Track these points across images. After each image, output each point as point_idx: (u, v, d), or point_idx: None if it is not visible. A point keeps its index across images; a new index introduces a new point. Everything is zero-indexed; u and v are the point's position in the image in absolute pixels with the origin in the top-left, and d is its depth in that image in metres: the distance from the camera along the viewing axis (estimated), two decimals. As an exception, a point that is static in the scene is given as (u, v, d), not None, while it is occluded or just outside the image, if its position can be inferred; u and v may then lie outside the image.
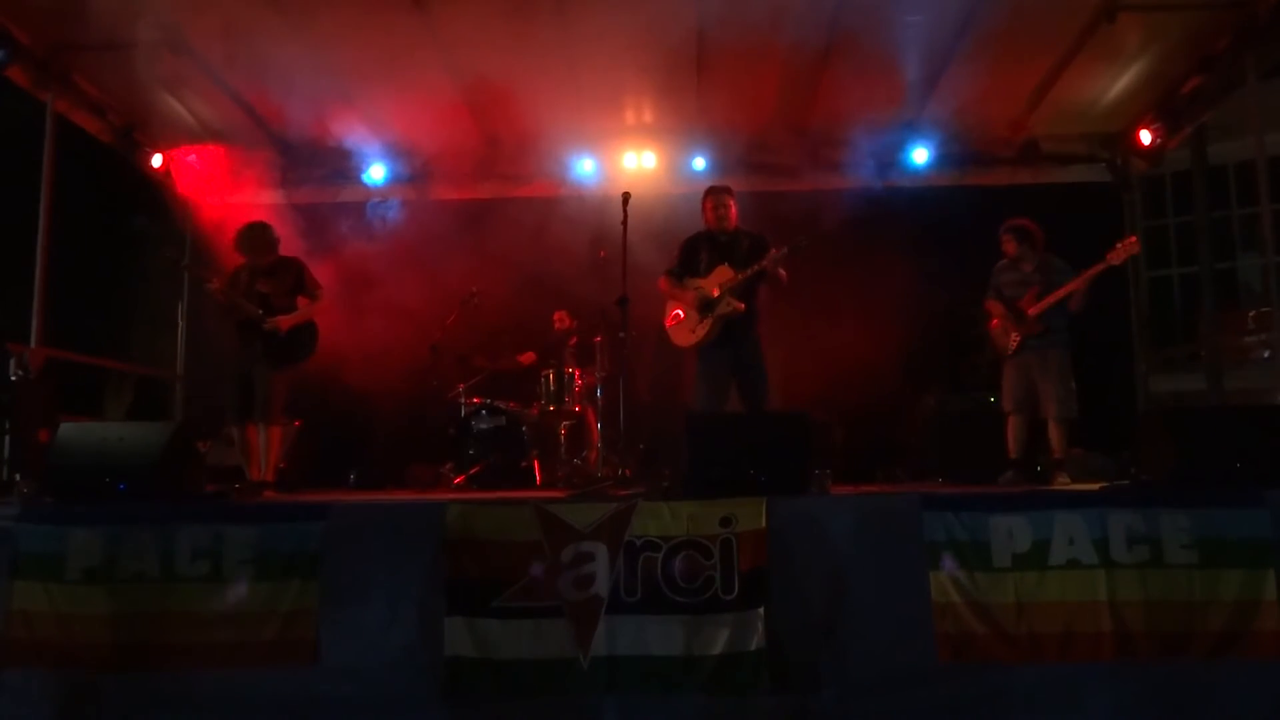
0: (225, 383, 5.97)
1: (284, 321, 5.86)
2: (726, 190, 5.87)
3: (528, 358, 7.82)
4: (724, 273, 5.67)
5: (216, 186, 8.34)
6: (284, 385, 5.96)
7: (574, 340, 7.64)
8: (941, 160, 8.24)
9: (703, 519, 3.81)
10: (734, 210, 5.81)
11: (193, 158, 8.11)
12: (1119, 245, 5.76)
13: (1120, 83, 7.47)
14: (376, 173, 8.44)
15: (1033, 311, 5.96)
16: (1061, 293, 5.87)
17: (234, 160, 8.12)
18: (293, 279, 6.04)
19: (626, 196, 5.84)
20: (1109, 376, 7.81)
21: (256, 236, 6.07)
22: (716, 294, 5.62)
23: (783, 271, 5.64)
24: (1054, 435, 5.94)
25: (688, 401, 6.26)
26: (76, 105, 7.32)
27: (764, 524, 3.78)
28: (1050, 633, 3.69)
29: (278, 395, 5.90)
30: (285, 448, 6.89)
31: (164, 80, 7.21)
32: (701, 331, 5.65)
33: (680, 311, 5.81)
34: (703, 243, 5.83)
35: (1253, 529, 3.73)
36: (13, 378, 6.19)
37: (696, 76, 7.29)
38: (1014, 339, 6.04)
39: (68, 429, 4.43)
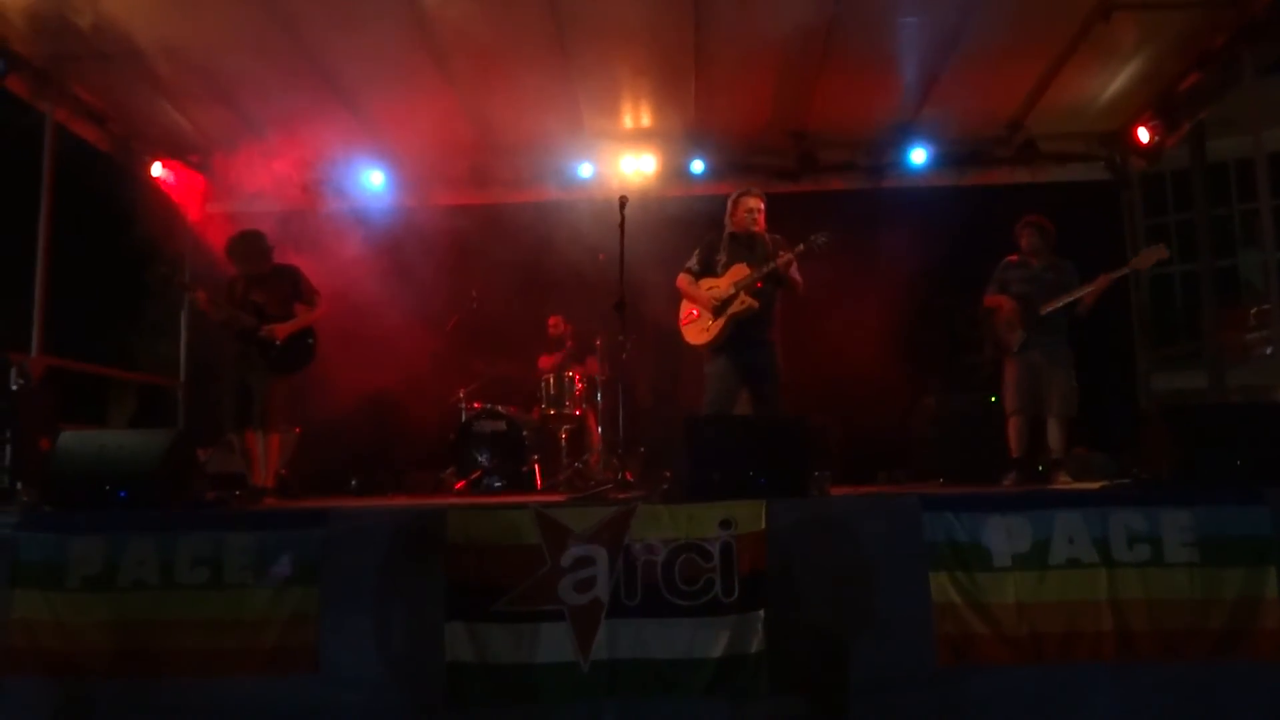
0: (224, 390, 5.92)
1: (280, 330, 5.78)
2: (757, 194, 5.74)
3: (545, 361, 7.79)
4: (739, 271, 5.56)
5: (208, 196, 8.36)
6: (282, 393, 5.89)
7: (571, 343, 7.63)
8: (939, 160, 8.24)
9: (702, 521, 3.81)
10: (762, 215, 5.71)
11: (170, 173, 8.11)
12: (1144, 251, 5.76)
13: (1117, 81, 7.46)
14: (375, 179, 8.46)
15: (1046, 309, 5.94)
16: (1080, 292, 5.86)
17: (226, 168, 8.12)
18: (289, 287, 5.96)
19: (624, 200, 5.85)
20: (1110, 375, 7.79)
21: (249, 245, 5.96)
22: (730, 293, 5.60)
23: (797, 276, 5.56)
24: (1055, 433, 5.93)
25: (691, 403, 6.22)
26: (76, 115, 7.34)
27: (763, 526, 3.78)
28: (1051, 633, 3.68)
29: (275, 403, 5.83)
30: (286, 454, 6.89)
31: (162, 88, 7.22)
32: (715, 330, 5.59)
33: (695, 311, 5.77)
34: (723, 243, 5.73)
35: (1254, 526, 3.72)
36: (13, 386, 6.19)
37: (694, 80, 7.30)
38: (1020, 336, 6.02)
39: (68, 437, 4.43)
